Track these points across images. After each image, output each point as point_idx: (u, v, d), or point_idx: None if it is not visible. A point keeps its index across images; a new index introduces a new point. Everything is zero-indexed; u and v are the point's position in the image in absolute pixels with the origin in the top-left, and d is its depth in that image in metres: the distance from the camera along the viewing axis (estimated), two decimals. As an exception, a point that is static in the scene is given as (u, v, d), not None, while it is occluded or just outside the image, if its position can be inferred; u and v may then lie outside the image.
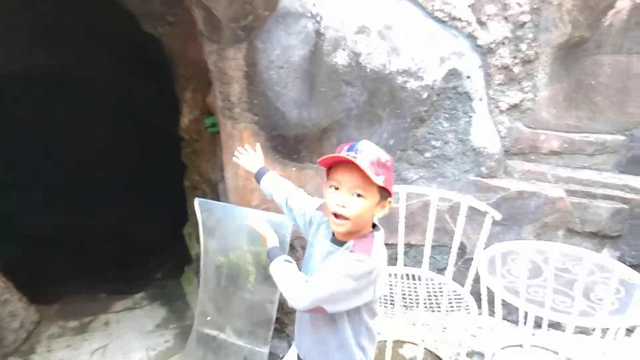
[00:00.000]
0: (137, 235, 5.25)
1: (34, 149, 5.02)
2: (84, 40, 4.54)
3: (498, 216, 2.23)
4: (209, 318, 2.73)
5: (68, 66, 4.84)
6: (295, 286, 1.37)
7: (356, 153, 1.34)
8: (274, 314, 2.55)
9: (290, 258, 1.50)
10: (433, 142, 2.77)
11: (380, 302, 2.36)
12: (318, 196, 2.65)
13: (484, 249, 2.35)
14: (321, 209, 1.59)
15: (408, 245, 2.81)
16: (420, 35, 2.64)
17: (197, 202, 2.71)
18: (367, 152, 1.34)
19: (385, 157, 1.37)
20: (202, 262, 2.75)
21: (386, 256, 1.45)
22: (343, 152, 1.36)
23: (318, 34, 2.36)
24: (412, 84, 2.61)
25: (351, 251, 1.35)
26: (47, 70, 4.87)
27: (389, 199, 1.40)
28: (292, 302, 1.36)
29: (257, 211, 2.60)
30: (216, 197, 3.13)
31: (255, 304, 2.60)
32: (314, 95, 2.42)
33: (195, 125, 3.17)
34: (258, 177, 1.87)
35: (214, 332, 2.73)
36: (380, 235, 1.44)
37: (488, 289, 2.03)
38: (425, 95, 2.65)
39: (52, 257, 4.52)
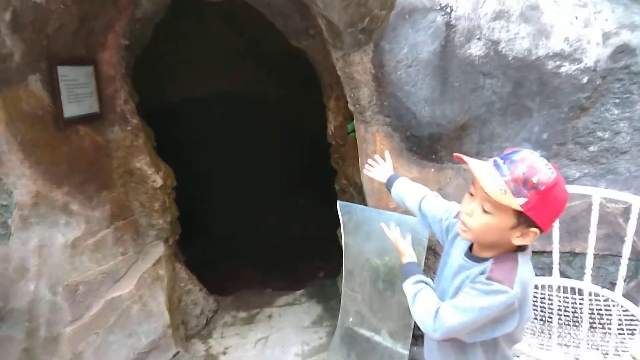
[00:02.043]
0: (305, 234, 5.64)
1: (212, 157, 5.79)
2: (250, 58, 5.13)
3: (681, 220, 1.78)
4: (350, 319, 2.79)
5: (239, 83, 5.51)
6: (426, 313, 1.27)
7: (505, 162, 1.16)
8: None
9: (424, 278, 1.41)
10: (599, 133, 2.35)
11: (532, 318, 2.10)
12: (459, 199, 2.51)
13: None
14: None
15: (571, 254, 2.44)
16: (577, 10, 2.28)
17: (338, 204, 2.82)
18: (516, 166, 1.14)
19: (540, 177, 1.12)
20: (344, 262, 2.83)
21: (533, 278, 1.27)
22: (492, 159, 1.21)
23: (449, 26, 2.23)
24: (568, 68, 2.27)
25: (489, 278, 1.19)
26: (223, 90, 5.63)
27: (534, 229, 1.17)
28: (423, 330, 1.29)
29: (394, 214, 2.57)
30: (362, 200, 3.19)
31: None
32: (447, 91, 2.29)
33: (340, 131, 3.29)
34: (389, 185, 1.81)
35: (365, 332, 2.76)
36: (526, 258, 1.24)
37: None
38: (585, 80, 2.27)
39: (230, 252, 5.15)
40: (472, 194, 1.25)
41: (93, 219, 2.62)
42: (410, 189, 1.69)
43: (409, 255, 1.51)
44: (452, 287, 1.32)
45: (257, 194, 5.93)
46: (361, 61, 2.20)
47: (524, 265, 1.22)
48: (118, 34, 2.78)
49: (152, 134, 3.30)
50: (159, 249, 3.10)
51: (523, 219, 1.16)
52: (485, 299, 1.17)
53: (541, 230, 1.18)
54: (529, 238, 1.19)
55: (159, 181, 3.10)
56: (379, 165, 1.91)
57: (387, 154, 1.96)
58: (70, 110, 2.50)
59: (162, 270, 3.00)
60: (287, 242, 5.42)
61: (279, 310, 3.72)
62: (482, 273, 1.22)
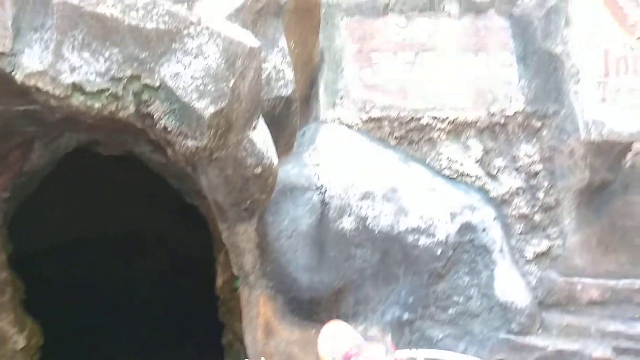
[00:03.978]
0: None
1: (100, 303, 5.42)
2: (145, 202, 5.16)
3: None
4: None
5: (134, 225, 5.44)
6: None
7: None
8: None
9: None
10: (455, 298, 2.68)
11: None
12: None
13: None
14: None
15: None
16: (429, 193, 2.74)
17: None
18: None
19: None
20: None
21: None
22: None
23: (323, 203, 2.54)
24: (424, 241, 2.64)
25: None
26: (119, 231, 5.50)
27: None
28: None
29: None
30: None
31: None
32: (324, 259, 2.52)
33: (229, 286, 3.34)
34: None
35: None
36: None
37: None
38: (439, 252, 2.65)
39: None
40: None
41: None
42: None
43: None
44: None
45: (144, 344, 5.53)
46: (245, 231, 2.39)
47: None
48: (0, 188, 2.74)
49: (22, 286, 3.08)
50: None
51: None
52: None
53: None
54: None
55: (20, 342, 2.84)
56: None
57: None
58: None
59: None
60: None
61: None
62: None
